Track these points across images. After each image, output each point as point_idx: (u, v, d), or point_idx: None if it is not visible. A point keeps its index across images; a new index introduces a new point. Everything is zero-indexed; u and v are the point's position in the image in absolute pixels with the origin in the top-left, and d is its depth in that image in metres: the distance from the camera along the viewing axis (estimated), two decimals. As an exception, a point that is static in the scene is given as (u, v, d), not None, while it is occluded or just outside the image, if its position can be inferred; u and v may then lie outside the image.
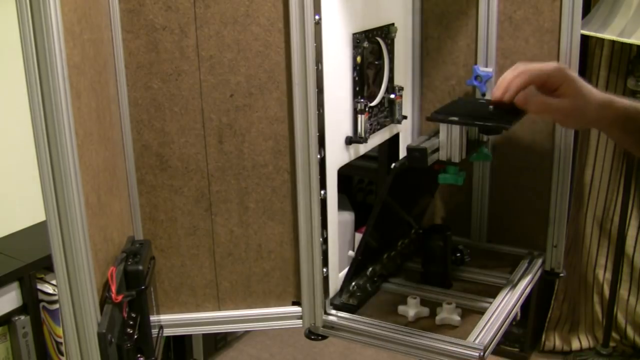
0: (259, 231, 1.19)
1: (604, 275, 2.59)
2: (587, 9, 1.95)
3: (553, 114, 1.09)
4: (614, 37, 1.93)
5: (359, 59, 1.22)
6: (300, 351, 2.42)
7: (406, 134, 1.44)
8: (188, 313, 1.21)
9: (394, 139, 1.41)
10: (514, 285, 1.31)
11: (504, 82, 1.05)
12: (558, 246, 1.42)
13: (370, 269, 1.33)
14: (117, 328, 0.92)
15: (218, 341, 2.47)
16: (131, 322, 0.97)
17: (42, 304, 1.80)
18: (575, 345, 2.66)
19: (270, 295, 1.22)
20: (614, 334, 2.60)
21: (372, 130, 1.28)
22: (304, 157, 1.14)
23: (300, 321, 1.23)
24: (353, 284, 1.28)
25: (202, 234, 1.18)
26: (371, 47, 1.27)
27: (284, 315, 1.23)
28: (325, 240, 1.18)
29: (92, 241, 0.88)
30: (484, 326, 1.17)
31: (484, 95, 1.37)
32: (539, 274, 1.40)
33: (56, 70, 0.78)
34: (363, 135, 1.23)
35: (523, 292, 1.31)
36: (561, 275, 1.44)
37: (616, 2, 1.94)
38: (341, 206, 1.25)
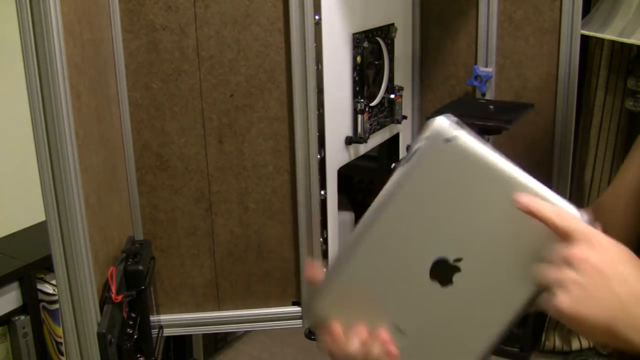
0: (259, 231, 1.19)
1: (604, 275, 2.59)
2: (587, 9, 1.95)
3: None
4: (614, 37, 1.92)
5: (359, 59, 1.22)
6: (300, 351, 2.42)
7: (406, 134, 1.44)
8: (188, 313, 1.21)
9: (394, 139, 1.41)
10: (514, 285, 1.31)
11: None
12: (558, 246, 1.42)
13: (370, 269, 1.33)
14: (117, 328, 0.92)
15: (218, 341, 2.46)
16: (131, 322, 0.97)
17: (42, 304, 1.79)
18: (575, 345, 2.66)
19: (270, 295, 1.22)
20: (614, 334, 2.59)
21: (372, 130, 1.28)
22: (304, 157, 1.14)
23: (300, 321, 1.23)
24: (353, 284, 1.28)
25: (202, 234, 1.18)
26: (371, 47, 1.27)
27: (284, 315, 1.23)
28: (325, 240, 1.18)
29: (92, 241, 0.88)
30: (484, 326, 1.17)
31: (484, 95, 1.37)
32: (539, 274, 1.40)
33: (56, 70, 0.78)
34: (363, 135, 1.23)
35: (523, 292, 1.31)
36: (561, 275, 1.43)
37: (616, 2, 1.94)
38: (341, 206, 1.25)
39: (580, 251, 0.61)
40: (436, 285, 0.61)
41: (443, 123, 0.58)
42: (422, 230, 0.61)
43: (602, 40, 2.07)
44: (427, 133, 0.58)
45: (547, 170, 1.37)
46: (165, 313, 1.20)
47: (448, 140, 0.58)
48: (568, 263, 0.61)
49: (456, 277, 0.61)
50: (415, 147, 0.59)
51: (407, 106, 1.42)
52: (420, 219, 0.61)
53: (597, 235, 0.63)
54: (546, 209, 0.63)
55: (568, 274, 0.60)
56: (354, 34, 1.19)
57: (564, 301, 0.59)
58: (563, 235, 0.62)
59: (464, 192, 0.59)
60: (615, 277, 0.60)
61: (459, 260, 0.61)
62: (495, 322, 0.63)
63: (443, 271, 0.61)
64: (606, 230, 0.79)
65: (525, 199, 0.62)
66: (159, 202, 1.16)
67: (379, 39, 1.29)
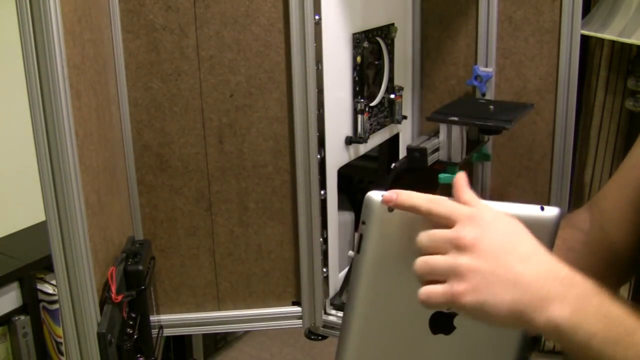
0: (259, 231, 1.19)
1: (604, 275, 2.59)
2: (587, 9, 1.95)
3: None
4: (614, 37, 1.92)
5: (359, 59, 1.22)
6: (300, 351, 2.42)
7: (406, 134, 1.44)
8: (188, 313, 1.21)
9: (394, 139, 1.41)
10: (514, 285, 1.31)
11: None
12: (558, 246, 1.41)
13: (370, 269, 1.33)
14: (117, 328, 0.92)
15: (218, 341, 2.47)
16: (131, 322, 0.97)
17: (42, 304, 1.80)
18: (575, 345, 2.66)
19: (270, 295, 1.22)
20: (614, 334, 2.60)
21: (372, 130, 1.28)
22: (304, 157, 1.14)
23: (300, 321, 1.23)
24: (353, 284, 1.28)
25: (202, 234, 1.18)
26: (371, 47, 1.27)
27: (284, 315, 1.23)
28: (325, 240, 1.18)
29: (92, 241, 0.88)
30: (484, 326, 1.17)
31: (484, 95, 1.37)
32: (539, 274, 1.40)
33: (56, 70, 0.78)
34: (363, 135, 1.23)
35: (523, 292, 1.31)
36: (561, 275, 1.43)
37: (616, 2, 1.94)
38: (341, 206, 1.25)
39: (469, 232, 0.56)
40: (442, 337, 0.61)
41: (377, 197, 0.59)
42: (404, 297, 0.61)
43: (602, 40, 2.07)
44: (368, 213, 0.60)
45: (547, 170, 1.37)
46: (165, 313, 1.20)
47: (391, 209, 0.59)
48: (457, 248, 0.56)
49: (457, 320, 0.61)
50: (361, 230, 0.60)
51: (407, 106, 1.42)
52: (398, 288, 0.61)
53: (480, 213, 0.58)
54: (416, 198, 0.59)
55: (461, 260, 0.55)
56: (354, 34, 1.19)
57: (464, 292, 0.54)
58: (444, 220, 0.58)
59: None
60: (512, 256, 0.55)
61: None
62: (509, 341, 0.62)
63: (442, 322, 0.61)
64: (606, 230, 0.78)
65: (388, 196, 0.59)
66: (159, 202, 1.16)
67: (379, 39, 1.29)
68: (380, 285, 0.60)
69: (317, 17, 1.07)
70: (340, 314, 1.22)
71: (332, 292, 1.23)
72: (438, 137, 1.24)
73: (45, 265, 1.78)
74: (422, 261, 0.57)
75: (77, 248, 0.84)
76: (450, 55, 1.42)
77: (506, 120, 1.19)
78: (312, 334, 1.23)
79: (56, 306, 1.79)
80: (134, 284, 0.98)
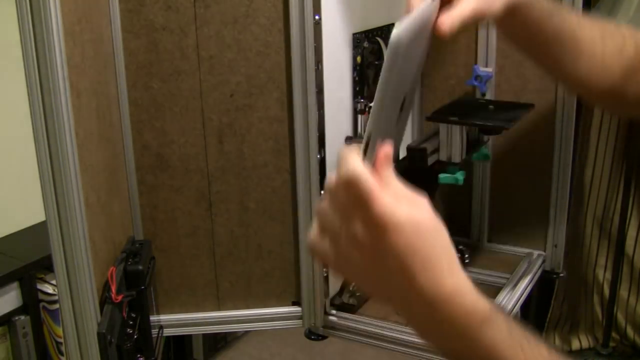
0: (259, 231, 1.19)
1: (604, 275, 2.59)
2: (587, 9, 1.95)
3: None
4: (614, 37, 1.92)
5: (359, 59, 1.22)
6: (300, 351, 2.42)
7: (406, 134, 1.44)
8: (188, 313, 1.21)
9: (394, 139, 1.41)
10: (514, 285, 1.31)
11: None
12: (558, 246, 1.42)
13: (370, 269, 1.33)
14: (117, 328, 0.92)
15: (218, 341, 2.47)
16: (131, 322, 0.97)
17: (42, 304, 1.80)
18: (575, 345, 2.66)
19: (270, 295, 1.22)
20: (614, 334, 2.60)
21: (372, 130, 1.28)
22: (304, 157, 1.14)
23: (300, 321, 1.23)
24: (353, 283, 1.28)
25: (202, 234, 1.18)
26: (371, 47, 1.27)
27: (284, 315, 1.23)
28: (325, 240, 1.18)
29: (92, 241, 0.88)
30: (484, 326, 1.17)
31: (484, 95, 1.37)
32: (539, 274, 1.41)
33: (56, 70, 0.78)
34: (363, 135, 1.23)
35: (523, 292, 1.31)
36: (561, 275, 1.44)
37: (616, 2, 1.94)
38: (341, 206, 1.25)
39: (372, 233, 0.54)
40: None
41: None
42: (404, 76, 0.73)
43: (602, 40, 2.07)
44: None
45: (547, 170, 1.37)
46: (165, 313, 1.20)
47: None
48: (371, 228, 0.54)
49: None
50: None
51: (407, 106, 1.42)
52: (404, 66, 0.71)
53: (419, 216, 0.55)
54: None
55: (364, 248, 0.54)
56: (354, 34, 1.19)
57: (343, 274, 0.56)
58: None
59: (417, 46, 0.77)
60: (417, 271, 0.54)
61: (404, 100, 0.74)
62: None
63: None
64: None
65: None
66: (159, 202, 1.16)
67: (379, 39, 1.29)
68: (404, 59, 0.68)
69: (317, 17, 1.07)
70: (341, 314, 1.22)
71: (332, 292, 1.23)
72: (438, 137, 1.24)
73: (45, 265, 1.78)
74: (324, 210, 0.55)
75: (77, 248, 0.84)
76: (450, 55, 1.42)
77: (506, 120, 1.19)
78: (312, 334, 1.23)
79: (56, 306, 1.79)
80: (134, 284, 0.98)
